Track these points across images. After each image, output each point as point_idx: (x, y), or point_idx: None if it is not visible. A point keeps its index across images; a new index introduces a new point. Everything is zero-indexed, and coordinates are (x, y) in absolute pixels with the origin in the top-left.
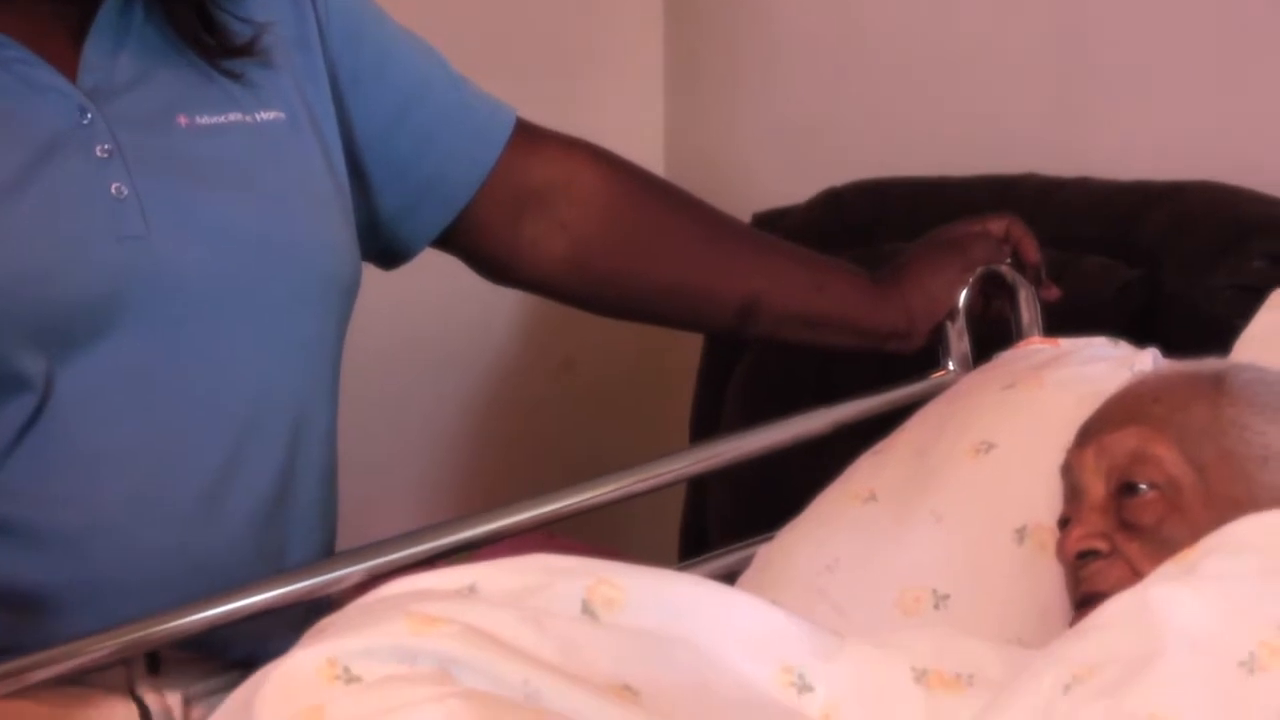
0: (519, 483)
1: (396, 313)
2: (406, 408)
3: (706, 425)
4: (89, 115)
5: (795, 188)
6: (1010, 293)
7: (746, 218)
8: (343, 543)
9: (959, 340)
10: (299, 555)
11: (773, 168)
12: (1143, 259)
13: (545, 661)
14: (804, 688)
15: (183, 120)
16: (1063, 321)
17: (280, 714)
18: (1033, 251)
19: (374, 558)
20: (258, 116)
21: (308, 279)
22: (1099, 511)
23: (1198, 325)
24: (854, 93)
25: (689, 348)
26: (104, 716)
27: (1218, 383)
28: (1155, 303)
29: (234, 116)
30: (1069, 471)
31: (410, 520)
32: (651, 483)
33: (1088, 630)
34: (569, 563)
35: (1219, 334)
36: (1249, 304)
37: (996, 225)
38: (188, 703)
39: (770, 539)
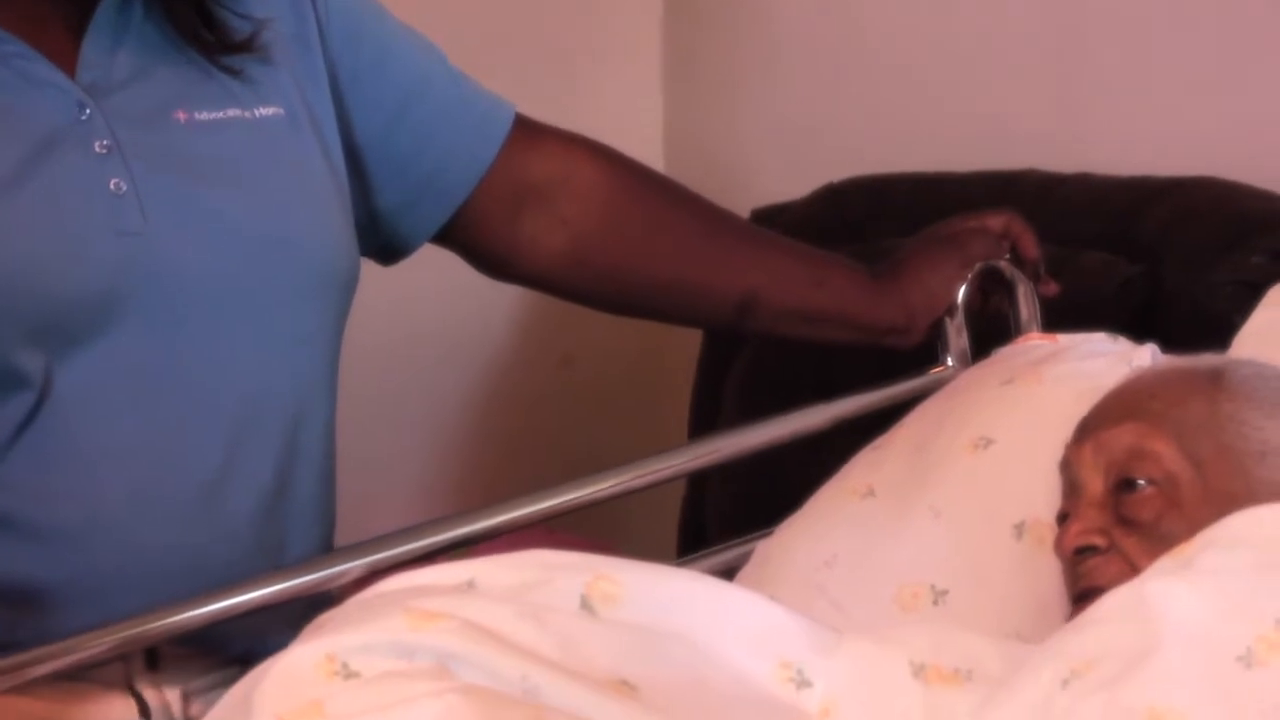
0: (518, 478)
1: (395, 308)
2: (405, 403)
3: (705, 421)
4: (87, 111)
5: (794, 183)
6: (1009, 288)
7: (745, 213)
8: (341, 538)
9: (958, 336)
10: (298, 551)
11: (772, 163)
12: (1143, 255)
13: (544, 657)
14: (802, 683)
15: (181, 116)
16: (1062, 317)
17: (279, 709)
18: (1032, 247)
19: (373, 553)
20: (256, 112)
21: (306, 275)
22: (1097, 507)
23: (1198, 321)
24: (853, 88)
25: (688, 343)
26: (102, 712)
27: (1215, 378)
28: (1155, 299)
29: (233, 112)
30: (1067, 467)
31: (409, 516)
32: (650, 478)
33: (1085, 625)
34: (568, 558)
35: (1219, 330)
36: (1249, 300)
37: (995, 221)
38: (186, 698)
39: (769, 535)
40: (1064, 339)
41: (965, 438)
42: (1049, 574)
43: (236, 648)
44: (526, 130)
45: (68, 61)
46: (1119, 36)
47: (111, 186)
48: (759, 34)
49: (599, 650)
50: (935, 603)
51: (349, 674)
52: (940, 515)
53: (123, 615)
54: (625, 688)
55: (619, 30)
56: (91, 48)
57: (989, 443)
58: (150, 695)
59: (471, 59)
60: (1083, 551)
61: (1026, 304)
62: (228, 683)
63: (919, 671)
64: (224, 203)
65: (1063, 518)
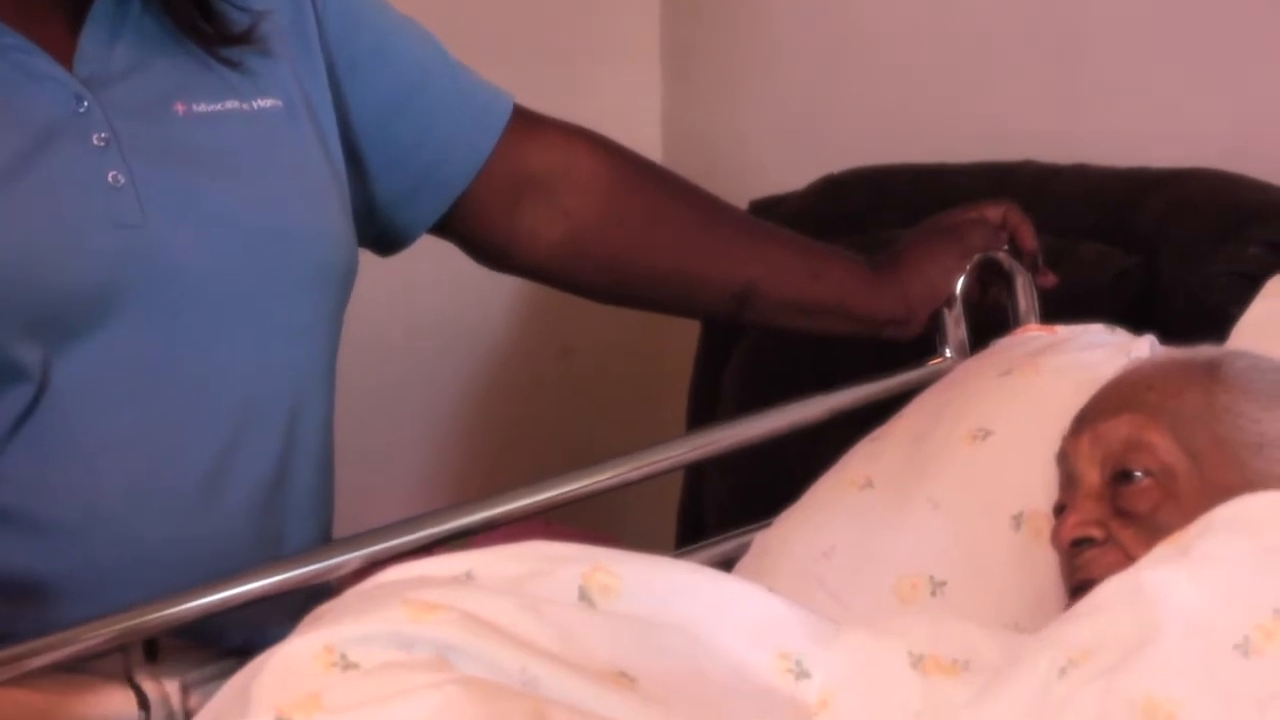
0: (516, 470)
1: (394, 300)
2: (404, 395)
3: (703, 412)
4: (85, 103)
5: (793, 174)
6: (1007, 280)
7: (744, 204)
8: (340, 530)
9: (956, 327)
10: (297, 542)
11: (770, 154)
12: (1140, 246)
13: (543, 649)
14: (801, 674)
15: (180, 108)
16: (1060, 308)
17: (277, 700)
18: (1030, 238)
19: (371, 544)
20: (255, 104)
21: (305, 267)
22: (1094, 499)
23: (1194, 313)
24: (851, 80)
25: (686, 335)
26: (101, 703)
27: (1212, 370)
28: (1152, 290)
29: (231, 104)
30: (1064, 459)
31: (407, 507)
32: (649, 470)
33: (1083, 614)
34: (566, 550)
35: (1216, 321)
36: (1246, 291)
37: (994, 212)
38: (185, 690)
39: (767, 526)
40: (1062, 330)
41: (964, 429)
42: (1047, 565)
43: (235, 639)
44: (525, 121)
45: (65, 54)
46: (1116, 29)
47: (109, 179)
48: (758, 25)
49: (598, 642)
50: (933, 594)
51: (348, 665)
52: (939, 506)
53: (121, 607)
54: (624, 679)
55: (618, 21)
56: (89, 40)
57: (987, 434)
58: (149, 687)
59: (469, 49)
60: (1080, 543)
61: (1025, 295)
62: (226, 674)
63: (917, 662)
64: (222, 195)
65: (1059, 509)
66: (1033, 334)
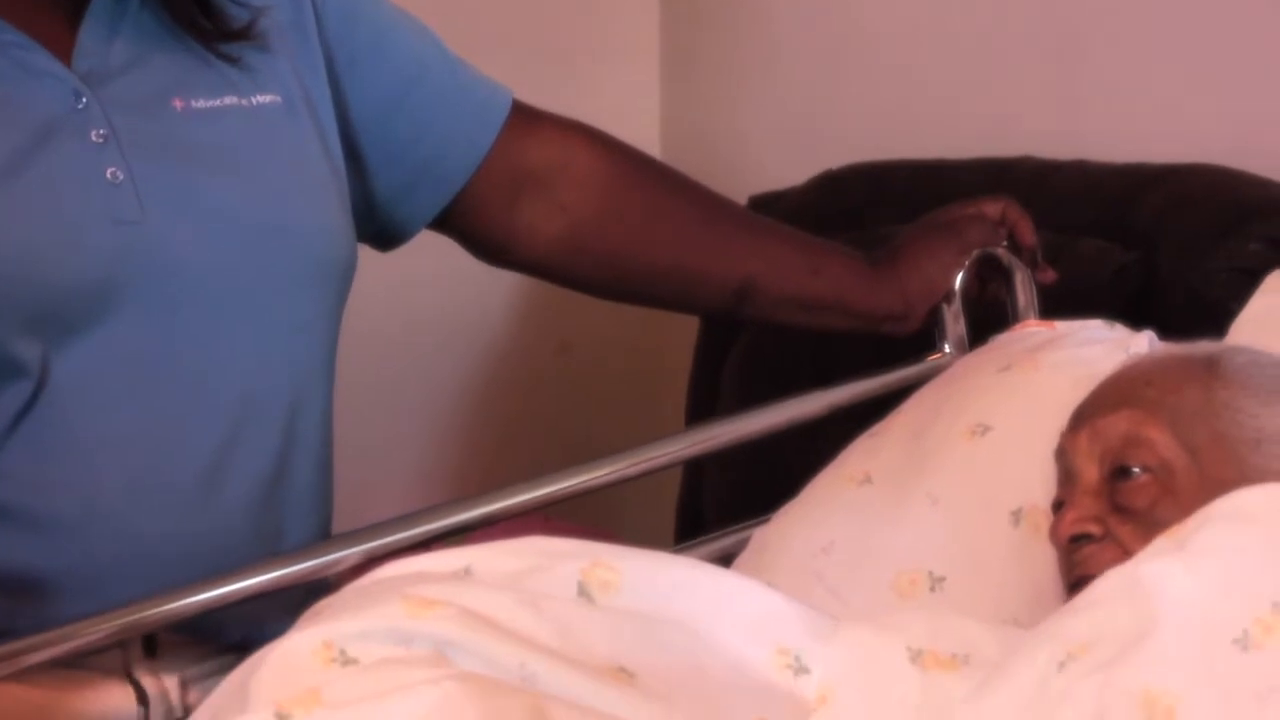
0: (515, 465)
1: (392, 295)
2: (403, 390)
3: (702, 408)
4: (84, 100)
5: (791, 170)
6: (1006, 275)
7: (743, 200)
8: (339, 525)
9: (955, 323)
10: (296, 538)
11: (769, 150)
12: (1139, 242)
13: (542, 644)
14: (800, 669)
15: (178, 104)
16: (1059, 304)
17: (276, 696)
18: (1029, 234)
19: (370, 540)
20: (254, 100)
21: (304, 263)
22: (1092, 495)
23: (1193, 308)
24: (850, 75)
25: (685, 330)
26: (100, 699)
27: (1211, 365)
28: (1151, 286)
29: (230, 100)
30: (1063, 455)
31: (406, 503)
32: (647, 465)
33: (1081, 607)
34: (565, 545)
35: (1215, 317)
36: (1246, 287)
37: (992, 208)
38: (184, 685)
39: (766, 521)
40: (1061, 326)
41: (962, 425)
42: (1046, 561)
43: (234, 635)
44: (524, 116)
45: (64, 50)
46: (1116, 24)
47: (108, 175)
48: (757, 21)
49: (597, 637)
50: (932, 589)
51: (346, 661)
52: (937, 502)
53: (120, 603)
54: (623, 675)
55: (617, 17)
56: (88, 36)
57: (986, 430)
58: (148, 682)
59: (467, 45)
60: (1078, 539)
61: (1023, 291)
62: (225, 670)
63: (916, 657)
64: (221, 191)
65: (1058, 505)
66: (1031, 329)
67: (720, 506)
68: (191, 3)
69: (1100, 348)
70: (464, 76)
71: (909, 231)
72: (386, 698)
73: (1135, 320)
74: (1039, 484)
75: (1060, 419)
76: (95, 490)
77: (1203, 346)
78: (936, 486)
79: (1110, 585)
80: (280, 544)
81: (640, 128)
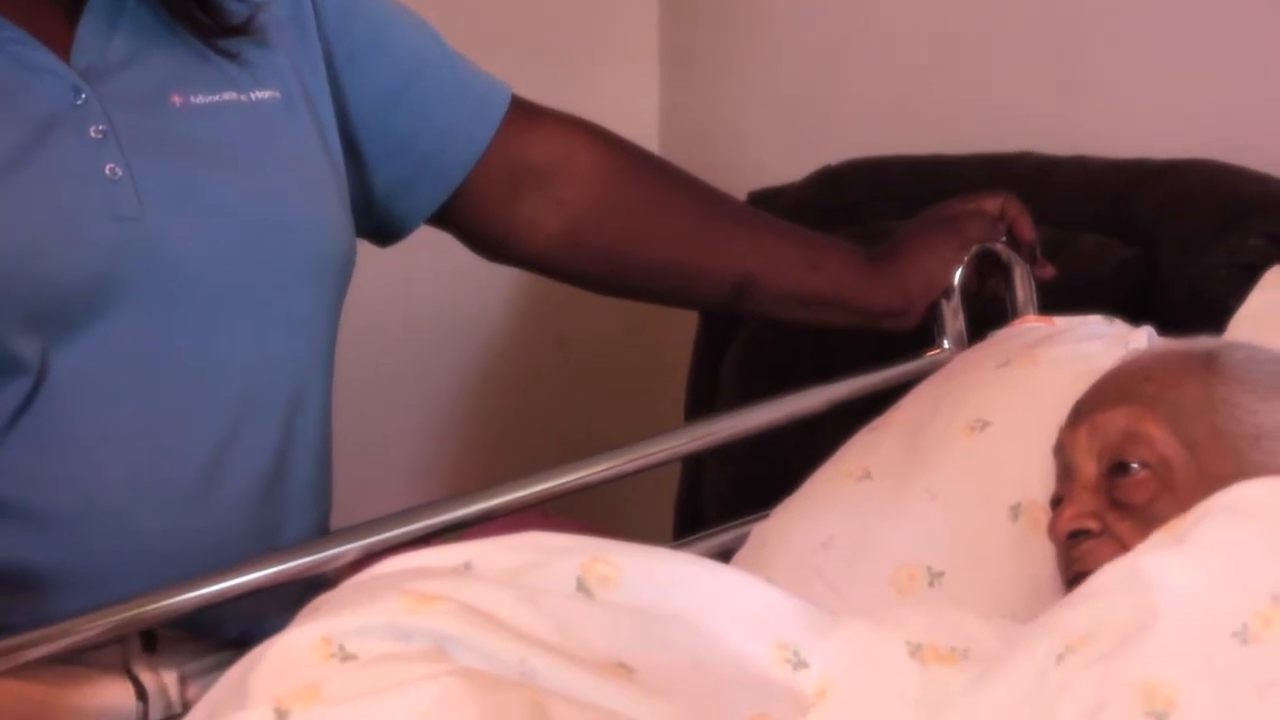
0: (514, 461)
1: (391, 291)
2: (401, 386)
3: (701, 403)
4: (83, 96)
5: (791, 166)
6: (1005, 271)
7: (742, 196)
8: (338, 521)
9: (954, 318)
10: (294, 534)
11: (768, 146)
12: (1139, 237)
13: (541, 640)
14: (799, 664)
15: (177, 100)
16: (1058, 300)
17: (276, 692)
18: (1028, 230)
19: (369, 536)
20: (253, 96)
21: (303, 258)
22: (1091, 491)
23: (1193, 304)
24: (850, 71)
25: (684, 326)
26: (99, 695)
27: (1210, 361)
28: (1151, 281)
29: (229, 96)
30: (1061, 451)
31: (405, 498)
32: (646, 461)
33: (1080, 600)
34: (564, 541)
35: (1215, 313)
36: (1246, 283)
37: (992, 203)
38: (183, 681)
39: (765, 517)
40: (1060, 321)
41: (961, 420)
42: (1044, 556)
43: (233, 630)
44: (523, 112)
45: (63, 46)
46: (1115, 20)
47: (107, 171)
48: (756, 17)
49: (596, 633)
50: (931, 584)
51: (346, 656)
52: (936, 497)
53: (119, 599)
54: (623, 670)
55: (616, 13)
56: (87, 32)
57: (985, 425)
58: (147, 678)
59: (466, 40)
60: (1076, 535)
61: (1023, 286)
62: (224, 665)
63: (916, 651)
64: (220, 187)
65: (1056, 501)
66: (1031, 325)
67: (719, 502)
68: None
69: (1099, 343)
70: (463, 71)
71: (908, 227)
72: (386, 693)
73: (1134, 316)
74: (1038, 479)
75: (1059, 414)
76: (94, 486)
77: (1202, 342)
78: (935, 482)
79: (1110, 578)
80: (279, 540)
81: (639, 123)
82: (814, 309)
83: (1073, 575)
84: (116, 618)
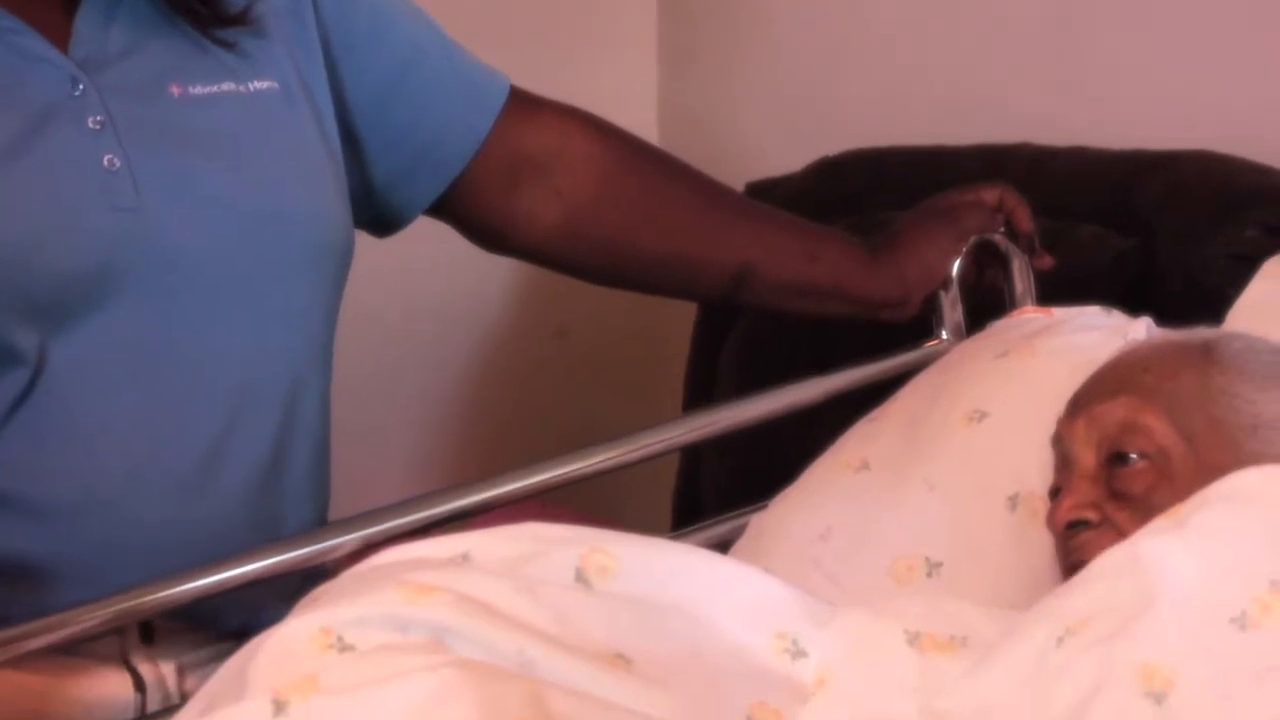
0: (512, 452)
1: (390, 282)
2: (400, 376)
3: (700, 394)
4: (81, 86)
5: (789, 157)
6: (1004, 262)
7: (740, 187)
8: (336, 512)
9: (952, 309)
10: (293, 524)
11: (767, 136)
12: (1137, 228)
13: (539, 630)
14: (798, 654)
15: (175, 90)
16: (1056, 291)
17: (274, 682)
18: (1026, 220)
19: (368, 526)
20: (251, 86)
21: (301, 249)
22: (1089, 481)
23: (1191, 295)
24: (849, 61)
25: (683, 316)
26: (98, 686)
27: (1208, 351)
28: (1149, 272)
29: (227, 86)
30: (1060, 442)
31: (404, 489)
32: (645, 452)
33: (1079, 585)
34: (562, 531)
35: (1212, 303)
36: (1243, 273)
37: (990, 194)
38: (181, 672)
39: (763, 508)
40: (1058, 312)
41: (960, 411)
42: (1043, 546)
43: (231, 621)
44: (522, 102)
45: (61, 36)
46: (1113, 10)
47: (105, 162)
48: (755, 8)
49: (594, 623)
50: (929, 575)
51: (344, 647)
52: (934, 488)
53: (118, 590)
54: (621, 660)
55: (615, 4)
56: (84, 22)
57: (983, 416)
58: (145, 669)
59: (465, 31)
60: (1075, 525)
61: (1021, 277)
62: (223, 657)
63: (914, 640)
64: (218, 177)
65: (1054, 492)
66: (1029, 316)
67: (718, 493)
68: None
69: (1098, 334)
70: (461, 61)
71: (907, 218)
72: (384, 684)
73: (1133, 306)
74: (1036, 470)
75: (1057, 405)
76: (93, 477)
77: (1200, 333)
78: (934, 472)
79: (1110, 562)
80: (278, 531)
81: (638, 114)
82: (813, 299)
83: (1071, 565)
84: (115, 608)
